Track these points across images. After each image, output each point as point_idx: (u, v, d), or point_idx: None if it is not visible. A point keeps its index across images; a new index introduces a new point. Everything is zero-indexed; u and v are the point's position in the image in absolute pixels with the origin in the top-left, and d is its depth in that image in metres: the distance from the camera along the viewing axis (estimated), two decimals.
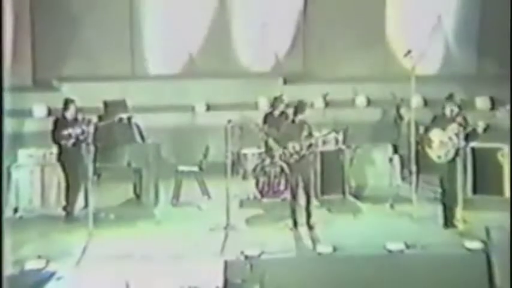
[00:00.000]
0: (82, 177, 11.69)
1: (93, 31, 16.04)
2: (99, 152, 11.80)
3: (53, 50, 15.94)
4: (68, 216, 11.85)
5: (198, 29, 16.37)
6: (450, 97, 11.18)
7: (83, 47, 16.07)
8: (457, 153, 10.96)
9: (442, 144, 10.98)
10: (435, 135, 11.04)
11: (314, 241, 10.76)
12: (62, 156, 11.90)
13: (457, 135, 10.91)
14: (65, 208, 11.93)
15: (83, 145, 11.50)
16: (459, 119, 11.00)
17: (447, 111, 11.08)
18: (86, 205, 11.65)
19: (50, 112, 15.24)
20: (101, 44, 16.02)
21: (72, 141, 11.68)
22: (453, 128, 10.92)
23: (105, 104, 13.15)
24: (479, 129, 10.84)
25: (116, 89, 14.94)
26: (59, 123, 11.92)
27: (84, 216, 11.32)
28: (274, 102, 13.61)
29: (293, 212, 11.28)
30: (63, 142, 11.73)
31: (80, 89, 14.85)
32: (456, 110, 11.05)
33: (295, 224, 11.25)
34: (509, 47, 14.91)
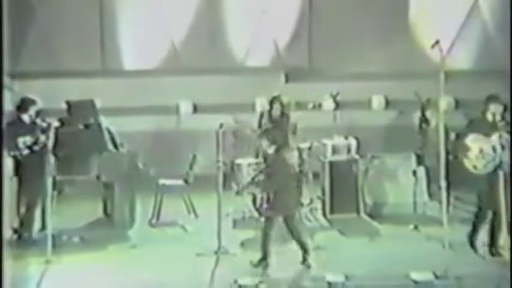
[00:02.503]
0: (39, 192, 11.59)
1: (54, 17, 16.09)
2: (60, 163, 11.76)
3: (4, 40, 15.76)
4: (21, 240, 11.70)
5: (183, 14, 16.42)
6: (493, 98, 11.01)
7: (40, 37, 16.04)
8: (499, 166, 10.81)
9: (482, 153, 10.82)
10: (473, 141, 10.86)
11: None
12: (19, 169, 11.75)
13: (502, 146, 10.76)
14: (16, 231, 11.80)
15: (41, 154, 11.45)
16: (502, 125, 10.87)
17: (488, 115, 10.94)
18: (44, 226, 11.57)
19: None
20: (63, 32, 15.98)
21: (26, 151, 11.61)
22: (499, 135, 10.77)
23: (69, 104, 13.13)
24: None
25: (81, 87, 14.89)
26: (13, 127, 11.73)
27: (41, 240, 11.22)
28: (271, 103, 13.63)
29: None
30: (15, 153, 11.63)
31: (37, 87, 14.71)
32: (500, 113, 10.89)
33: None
34: None
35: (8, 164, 11.88)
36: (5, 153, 11.77)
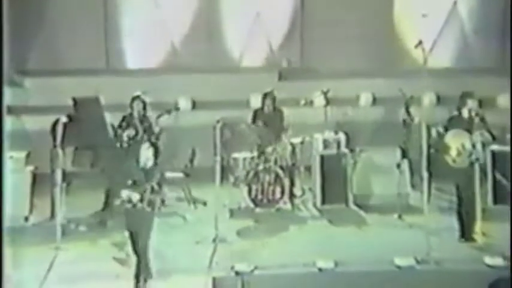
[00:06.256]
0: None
1: (61, 17, 16.03)
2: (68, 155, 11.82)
3: (14, 40, 15.76)
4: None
5: (183, 17, 16.39)
6: (468, 95, 11.18)
7: (48, 36, 16.02)
8: (477, 159, 10.99)
9: (464, 149, 10.98)
10: (453, 137, 11.03)
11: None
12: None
13: (483, 143, 10.93)
14: (27, 218, 12.02)
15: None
16: (477, 120, 11.02)
17: (464, 112, 11.11)
18: (53, 215, 11.68)
19: (9, 110, 15.15)
20: (70, 32, 15.97)
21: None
22: (480, 133, 10.92)
23: (75, 101, 13.06)
24: (502, 131, 11.09)
25: (87, 84, 14.89)
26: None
27: (51, 228, 11.30)
28: (264, 99, 13.64)
29: None
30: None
31: (46, 85, 14.90)
32: (475, 109, 11.05)
33: None
34: None
35: None
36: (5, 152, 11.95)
